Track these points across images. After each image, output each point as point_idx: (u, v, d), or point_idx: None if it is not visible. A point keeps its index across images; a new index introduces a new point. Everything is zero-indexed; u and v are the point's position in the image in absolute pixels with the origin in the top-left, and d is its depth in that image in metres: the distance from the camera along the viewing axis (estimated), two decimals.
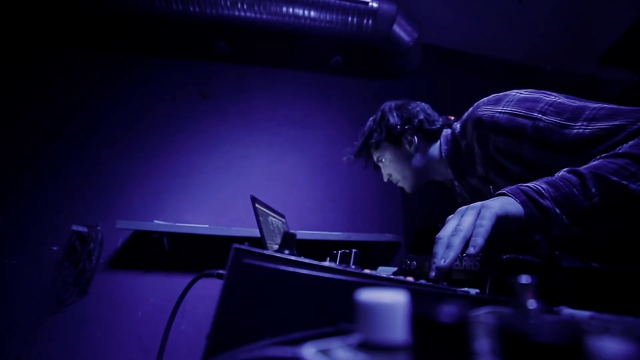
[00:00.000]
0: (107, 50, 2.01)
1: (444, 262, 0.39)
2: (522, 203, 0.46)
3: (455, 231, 0.42)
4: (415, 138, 0.87)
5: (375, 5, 1.91)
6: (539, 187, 0.48)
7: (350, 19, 1.94)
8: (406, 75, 2.39)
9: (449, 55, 2.61)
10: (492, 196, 0.50)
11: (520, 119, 0.62)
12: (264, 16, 1.90)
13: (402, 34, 2.06)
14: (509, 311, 0.19)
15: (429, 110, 0.91)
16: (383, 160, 0.95)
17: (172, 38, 2.09)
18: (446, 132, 0.86)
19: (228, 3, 1.82)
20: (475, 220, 0.42)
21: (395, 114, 0.90)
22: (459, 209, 0.46)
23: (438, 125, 0.88)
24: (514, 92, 0.67)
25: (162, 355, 0.60)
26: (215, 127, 1.99)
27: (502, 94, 0.69)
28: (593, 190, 0.47)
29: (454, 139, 0.83)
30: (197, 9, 1.85)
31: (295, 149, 2.05)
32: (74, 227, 1.55)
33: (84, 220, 1.61)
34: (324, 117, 2.16)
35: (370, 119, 0.96)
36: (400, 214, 2.06)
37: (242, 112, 2.05)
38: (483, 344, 0.12)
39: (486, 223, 0.41)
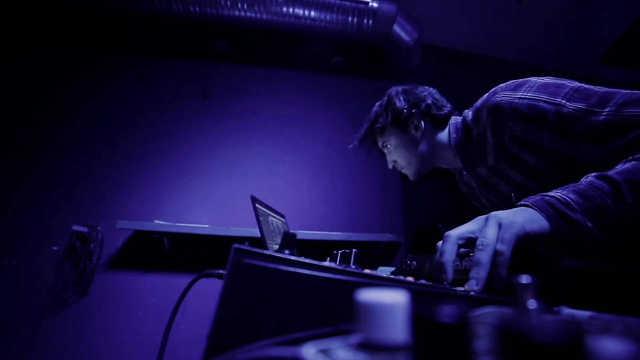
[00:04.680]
0: (107, 50, 2.01)
1: (477, 285, 0.35)
2: (548, 218, 0.40)
3: (481, 245, 0.37)
4: (422, 123, 0.83)
5: (375, 5, 1.91)
6: (567, 198, 0.41)
7: (350, 19, 1.94)
8: (406, 75, 2.39)
9: (449, 55, 2.61)
10: (502, 197, 0.44)
11: (541, 104, 0.58)
12: (264, 16, 1.90)
13: (402, 34, 2.06)
14: (509, 311, 0.19)
15: (437, 95, 0.87)
16: (388, 146, 0.90)
17: (172, 38, 2.10)
18: (455, 119, 0.83)
19: (228, 3, 1.82)
20: (498, 236, 0.38)
21: (402, 98, 0.86)
22: (478, 217, 0.42)
23: (446, 111, 0.84)
24: (534, 78, 0.63)
25: (162, 355, 0.60)
26: (215, 127, 1.99)
27: (521, 80, 0.64)
28: (629, 200, 0.41)
29: (464, 127, 0.79)
30: (197, 9, 1.85)
31: (295, 149, 2.05)
32: (75, 227, 1.55)
33: (84, 220, 1.62)
34: (324, 117, 2.16)
35: (377, 103, 0.92)
36: (400, 214, 2.06)
37: (242, 112, 2.05)
38: (483, 344, 0.12)
39: (506, 249, 0.37)
